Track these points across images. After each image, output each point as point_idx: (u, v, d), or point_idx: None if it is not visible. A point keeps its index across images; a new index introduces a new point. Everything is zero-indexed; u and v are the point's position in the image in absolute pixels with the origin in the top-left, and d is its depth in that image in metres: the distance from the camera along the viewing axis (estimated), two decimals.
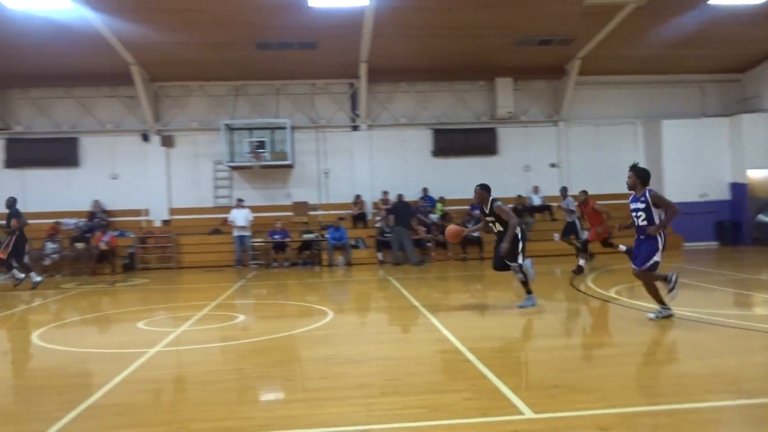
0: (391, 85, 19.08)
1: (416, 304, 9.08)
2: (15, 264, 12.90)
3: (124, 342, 7.04)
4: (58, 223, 17.15)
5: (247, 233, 16.73)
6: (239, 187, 18.75)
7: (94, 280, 14.83)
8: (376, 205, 18.51)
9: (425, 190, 18.62)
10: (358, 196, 18.47)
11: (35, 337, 7.48)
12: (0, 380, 5.67)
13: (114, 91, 18.31)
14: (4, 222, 12.79)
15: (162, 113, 18.64)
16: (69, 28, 14.18)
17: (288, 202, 18.73)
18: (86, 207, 17.77)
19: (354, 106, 19.05)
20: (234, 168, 18.43)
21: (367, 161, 19.01)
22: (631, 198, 7.08)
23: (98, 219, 17.62)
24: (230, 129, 18.25)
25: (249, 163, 17.98)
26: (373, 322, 8.43)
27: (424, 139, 19.26)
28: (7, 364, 6.36)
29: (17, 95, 18.15)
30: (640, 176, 6.95)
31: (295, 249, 17.14)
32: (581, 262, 12.33)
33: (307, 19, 14.55)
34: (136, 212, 18.52)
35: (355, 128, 19.10)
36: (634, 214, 7.01)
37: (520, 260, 8.08)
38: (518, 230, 8.11)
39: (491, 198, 8.21)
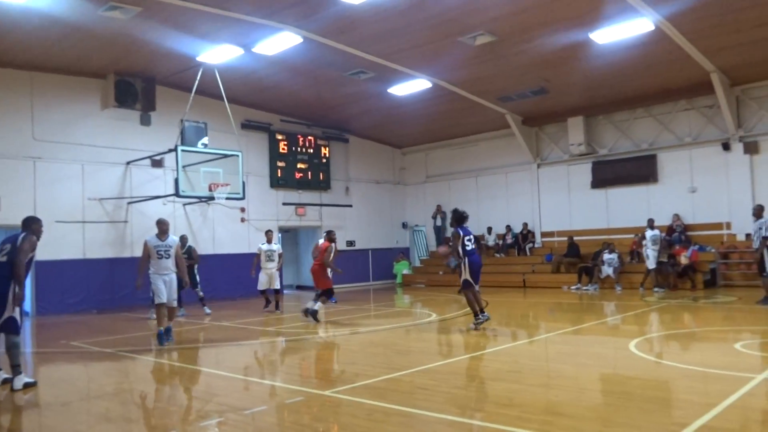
0: None
1: None
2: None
3: (724, 363, 6.70)
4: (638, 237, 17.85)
5: None
6: None
7: (676, 295, 14.79)
8: None
9: None
10: None
11: (632, 346, 7.92)
12: (611, 383, 6.23)
13: (691, 103, 17.95)
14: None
15: (744, 118, 17.20)
16: (647, 48, 14.56)
17: None
18: (665, 221, 17.93)
19: None
20: None
21: None
22: None
23: (677, 233, 17.53)
24: None
25: None
26: None
27: None
28: (612, 369, 6.91)
29: (601, 120, 19.85)
30: None
31: None
32: None
33: None
34: (717, 226, 17.61)
35: None
36: None
37: None
38: None
39: None
